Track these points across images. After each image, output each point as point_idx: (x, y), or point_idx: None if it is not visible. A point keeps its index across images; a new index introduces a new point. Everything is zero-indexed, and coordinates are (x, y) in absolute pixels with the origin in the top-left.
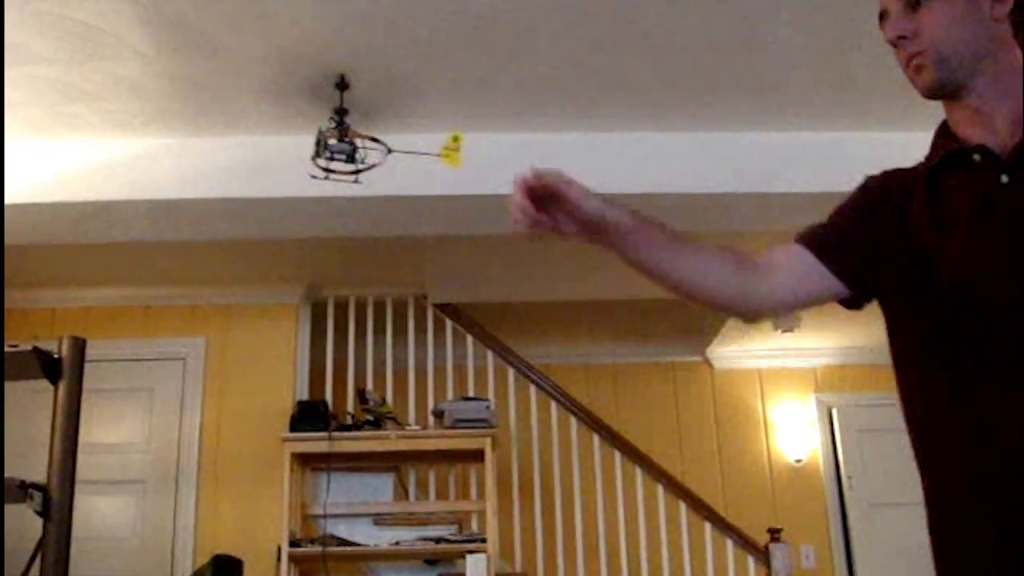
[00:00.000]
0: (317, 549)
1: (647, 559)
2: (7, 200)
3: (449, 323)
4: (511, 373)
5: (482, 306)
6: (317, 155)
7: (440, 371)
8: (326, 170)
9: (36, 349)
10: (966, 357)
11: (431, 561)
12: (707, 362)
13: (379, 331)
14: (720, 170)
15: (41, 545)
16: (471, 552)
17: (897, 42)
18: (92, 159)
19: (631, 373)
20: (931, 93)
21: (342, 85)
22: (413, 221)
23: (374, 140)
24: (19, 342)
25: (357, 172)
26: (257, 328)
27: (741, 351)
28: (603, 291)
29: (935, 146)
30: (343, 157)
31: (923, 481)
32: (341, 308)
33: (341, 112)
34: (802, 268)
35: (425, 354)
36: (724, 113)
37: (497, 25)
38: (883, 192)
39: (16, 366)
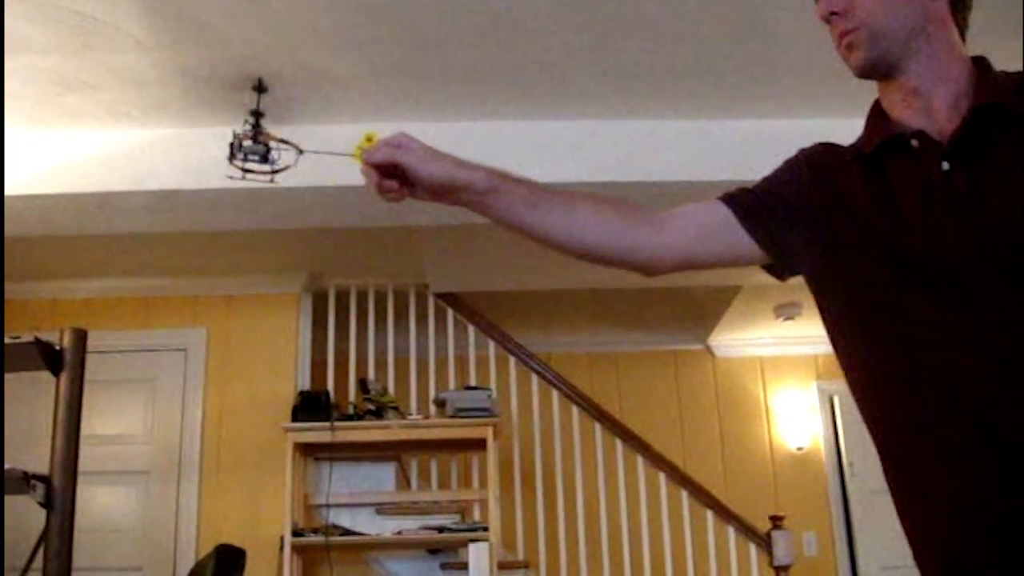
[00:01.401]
0: (320, 539)
1: (649, 547)
2: (7, 191)
3: (450, 312)
4: (513, 362)
5: (483, 295)
6: (232, 157)
7: (442, 360)
8: (244, 170)
9: (37, 340)
10: (919, 337)
11: (434, 550)
12: (709, 350)
13: (380, 320)
14: (717, 158)
15: (44, 536)
16: (473, 541)
17: (830, 18)
18: (92, 150)
19: (633, 361)
20: (863, 72)
21: (259, 88)
22: (413, 210)
23: (284, 142)
24: (20, 333)
25: (273, 172)
26: (258, 318)
27: (742, 339)
28: (605, 279)
29: (870, 128)
30: (256, 158)
31: (884, 464)
32: (342, 298)
33: (256, 114)
34: (713, 223)
35: (427, 343)
36: (721, 100)
37: (492, 11)
38: (818, 165)
39: (17, 357)
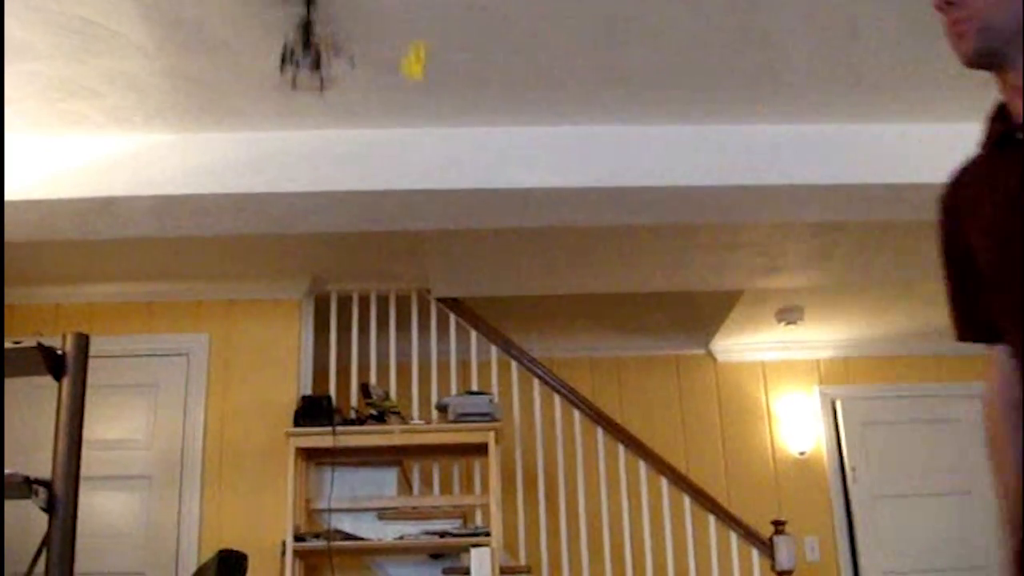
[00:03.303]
0: (322, 544)
1: (651, 552)
2: (9, 196)
3: (452, 317)
4: (514, 367)
5: (485, 300)
6: (283, 64)
7: (443, 365)
8: (293, 80)
9: (40, 345)
10: None
11: (436, 555)
12: (711, 355)
13: (382, 326)
14: (720, 162)
15: (46, 541)
16: (475, 546)
17: (944, 7)
18: (94, 155)
19: (635, 366)
20: (970, 62)
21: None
22: (415, 215)
23: (337, 50)
24: (23, 338)
25: (323, 83)
26: (261, 323)
27: (745, 344)
28: (606, 284)
29: (986, 127)
30: (308, 65)
31: None
32: (344, 303)
33: (308, 24)
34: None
35: (428, 348)
36: (723, 105)
37: (493, 17)
38: (946, 211)
39: (20, 362)
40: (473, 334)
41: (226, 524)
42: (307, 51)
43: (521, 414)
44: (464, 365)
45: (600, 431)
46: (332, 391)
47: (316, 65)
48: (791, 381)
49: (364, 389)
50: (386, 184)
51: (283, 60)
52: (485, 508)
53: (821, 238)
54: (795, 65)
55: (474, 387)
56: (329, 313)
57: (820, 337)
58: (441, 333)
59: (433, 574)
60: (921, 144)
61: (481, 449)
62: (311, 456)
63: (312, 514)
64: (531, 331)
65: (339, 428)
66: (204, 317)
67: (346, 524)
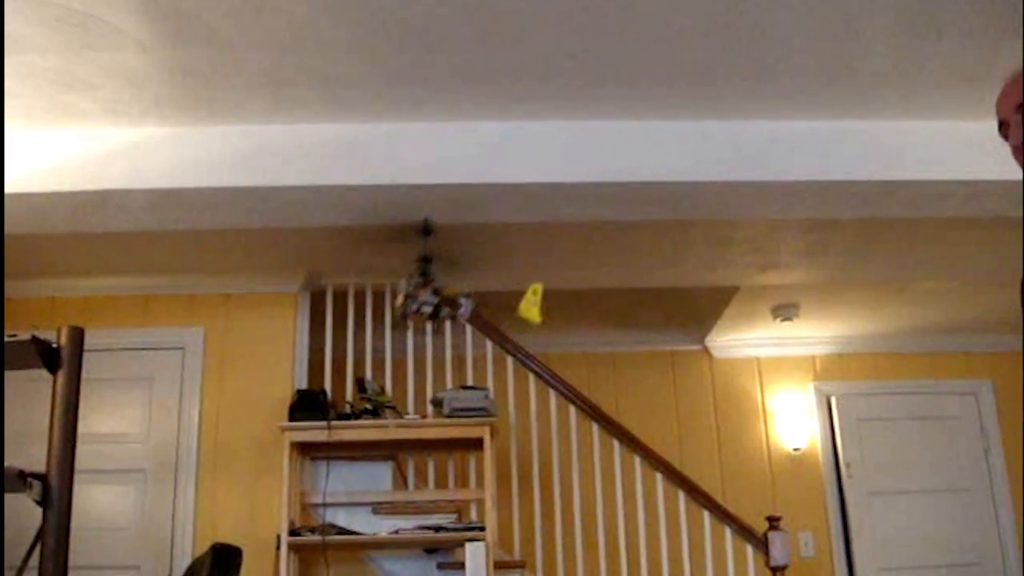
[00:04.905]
0: (317, 538)
1: (646, 547)
2: (5, 189)
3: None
4: (510, 362)
5: (481, 295)
6: (404, 312)
7: (439, 360)
8: (403, 317)
9: (35, 338)
10: None
11: (430, 550)
12: (706, 350)
13: (378, 320)
14: (715, 158)
15: (40, 534)
16: (470, 541)
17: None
18: (90, 148)
19: (630, 362)
20: None
21: (425, 231)
22: (411, 209)
23: (467, 296)
24: (18, 331)
25: (439, 324)
26: (256, 317)
27: (740, 340)
28: (602, 280)
29: None
30: (429, 310)
31: None
32: (340, 297)
33: (425, 260)
34: None
35: (424, 343)
36: (719, 101)
37: (491, 13)
38: None
39: (15, 355)
40: (468, 329)
41: (221, 518)
42: (432, 294)
43: (516, 409)
44: (459, 360)
45: (595, 426)
46: (327, 385)
47: (436, 311)
48: (786, 377)
49: (359, 383)
50: (382, 178)
51: (405, 304)
52: (480, 503)
53: (816, 234)
54: (790, 61)
55: (469, 382)
56: (325, 307)
57: (815, 333)
58: (436, 327)
59: (427, 569)
60: (915, 141)
61: (476, 444)
62: (306, 450)
63: (307, 508)
64: (526, 326)
65: (334, 422)
66: (199, 311)
67: (341, 518)
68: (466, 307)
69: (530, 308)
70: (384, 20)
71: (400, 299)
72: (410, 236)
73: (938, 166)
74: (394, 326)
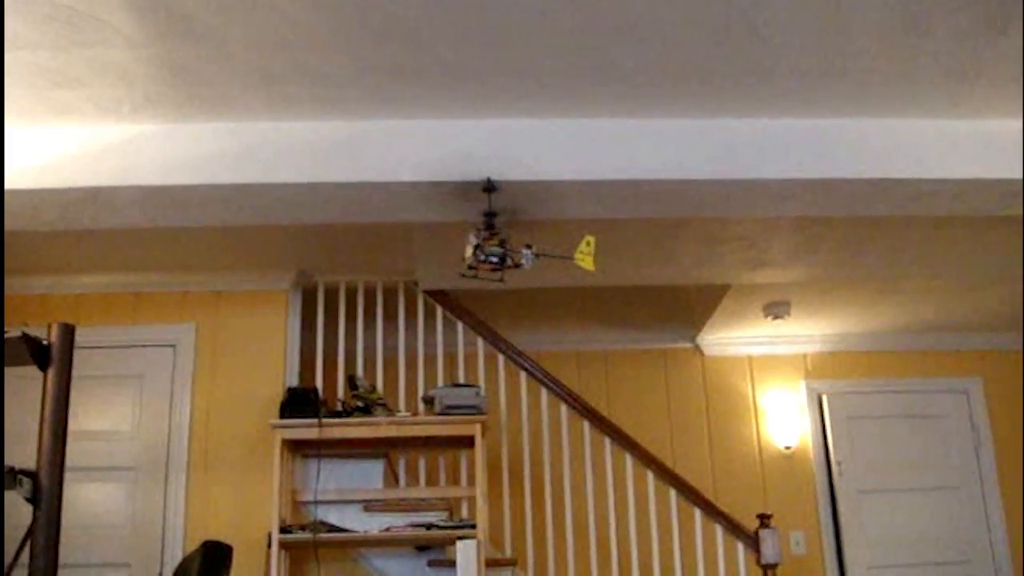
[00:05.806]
0: (307, 536)
1: (637, 545)
2: None
3: (439, 309)
4: (501, 359)
5: (472, 293)
6: (474, 259)
7: (430, 358)
8: (471, 267)
9: (25, 336)
10: None
11: (422, 547)
12: (697, 349)
13: (369, 317)
14: (709, 156)
15: (31, 531)
16: (461, 538)
17: None
18: (80, 145)
19: (622, 360)
20: None
21: (489, 188)
22: (403, 207)
23: (527, 247)
24: (8, 328)
25: (502, 272)
26: (247, 314)
27: (731, 338)
28: (593, 278)
29: None
30: (495, 260)
31: None
32: (331, 294)
33: (490, 215)
34: None
35: (415, 340)
36: (712, 99)
37: (484, 10)
38: None
39: (5, 353)
40: (460, 326)
41: (211, 515)
42: (498, 246)
43: (508, 407)
44: (451, 357)
45: (587, 424)
46: (319, 383)
47: (502, 262)
48: (777, 375)
49: (351, 381)
50: (374, 175)
51: (474, 252)
52: (471, 500)
53: (807, 233)
54: (781, 59)
55: (461, 379)
56: (316, 305)
57: (807, 332)
58: (428, 325)
59: (419, 566)
60: (906, 139)
61: (467, 441)
62: (297, 448)
63: (298, 506)
64: (518, 324)
65: (325, 420)
66: (191, 308)
67: (332, 516)
68: (528, 258)
69: (584, 257)
70: (376, 16)
71: (469, 250)
72: (473, 194)
73: (929, 164)
74: (462, 275)
